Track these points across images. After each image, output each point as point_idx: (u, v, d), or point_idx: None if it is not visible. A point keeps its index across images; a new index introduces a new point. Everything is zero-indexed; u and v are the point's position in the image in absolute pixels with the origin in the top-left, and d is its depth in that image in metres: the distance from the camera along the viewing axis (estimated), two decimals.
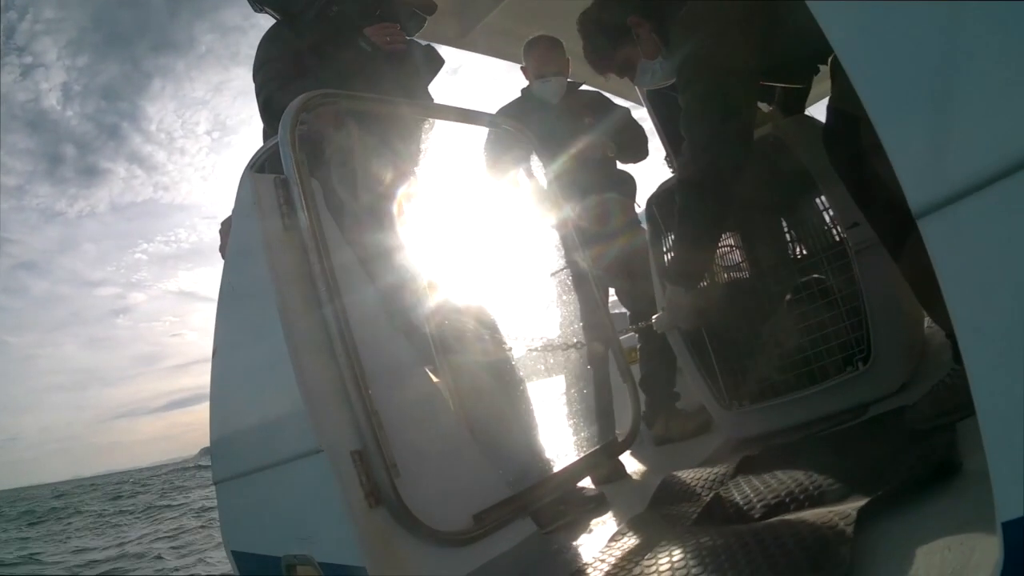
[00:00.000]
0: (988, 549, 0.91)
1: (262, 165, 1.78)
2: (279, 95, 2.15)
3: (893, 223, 1.69)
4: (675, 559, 1.37)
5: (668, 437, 3.00)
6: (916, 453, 1.48)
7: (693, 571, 1.29)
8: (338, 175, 1.93)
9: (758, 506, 1.55)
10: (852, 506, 1.29)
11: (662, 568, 1.37)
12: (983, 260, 0.80)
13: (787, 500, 1.50)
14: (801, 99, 2.53)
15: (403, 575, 1.47)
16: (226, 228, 2.13)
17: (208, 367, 1.93)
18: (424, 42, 2.52)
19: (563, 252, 2.47)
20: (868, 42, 0.88)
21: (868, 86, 0.87)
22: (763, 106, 2.79)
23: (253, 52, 2.37)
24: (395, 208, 2.06)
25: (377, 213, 1.97)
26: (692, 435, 2.93)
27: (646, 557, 1.46)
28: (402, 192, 2.10)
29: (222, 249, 2.13)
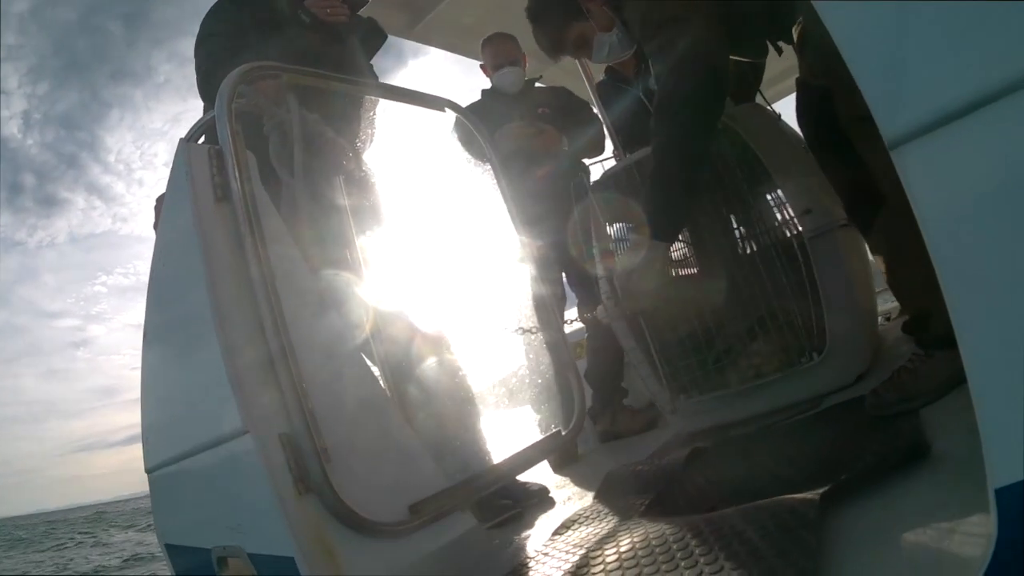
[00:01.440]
0: (973, 525, 0.92)
1: (198, 139, 1.71)
2: (217, 70, 2.06)
3: (867, 197, 1.67)
4: (623, 550, 1.31)
5: (615, 433, 2.99)
6: (880, 439, 1.45)
7: (643, 562, 1.23)
8: (276, 152, 1.86)
9: (712, 496, 1.50)
10: (814, 493, 1.24)
11: (608, 560, 1.31)
12: (957, 188, 0.80)
13: (743, 490, 1.45)
14: (750, 88, 2.53)
15: (335, 569, 1.39)
16: (160, 203, 2.05)
17: None
18: (366, 16, 2.50)
19: (511, 239, 2.43)
20: None
21: (837, 18, 0.87)
22: None
23: None
24: (335, 187, 1.99)
25: (316, 191, 1.89)
26: (640, 431, 2.91)
27: (591, 549, 1.41)
28: (343, 171, 2.03)
29: (155, 225, 2.03)
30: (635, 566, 1.24)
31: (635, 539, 1.34)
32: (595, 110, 3.46)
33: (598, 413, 3.05)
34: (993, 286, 0.77)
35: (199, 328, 1.52)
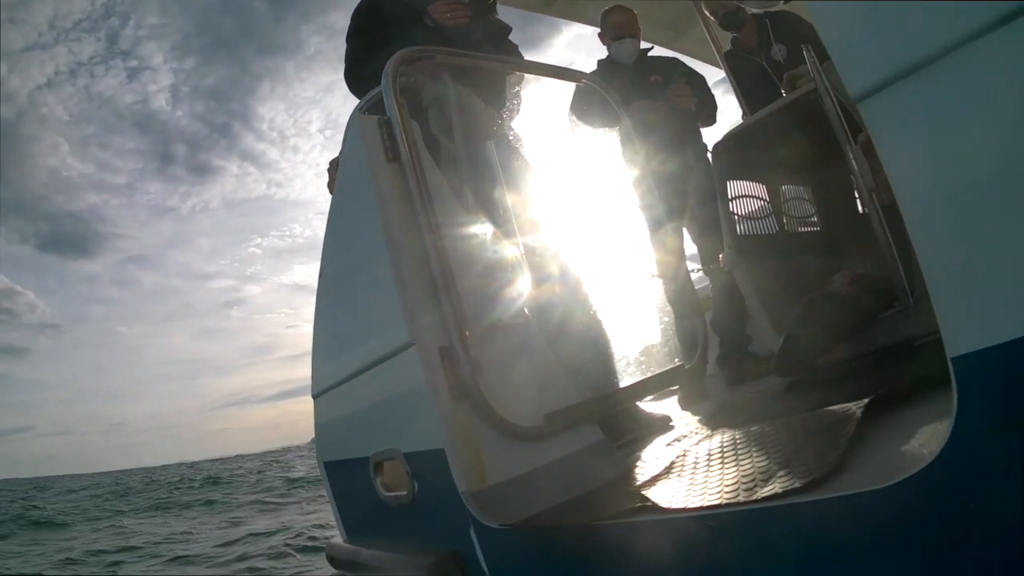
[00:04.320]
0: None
1: (368, 112, 2.00)
2: (364, 64, 2.45)
3: None
4: (712, 446, 1.57)
5: (740, 377, 3.12)
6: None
7: (725, 451, 1.49)
8: (435, 122, 2.14)
9: (796, 409, 1.75)
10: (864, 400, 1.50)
11: (699, 454, 1.56)
12: (920, 136, 0.89)
13: (825, 403, 1.67)
14: None
15: (479, 463, 1.64)
16: (334, 167, 2.37)
17: None
18: (491, 15, 2.68)
19: (640, 196, 2.62)
20: None
21: None
22: None
23: None
24: (488, 150, 2.25)
25: (472, 155, 2.15)
26: (764, 376, 3.01)
27: (690, 450, 1.65)
28: (494, 136, 2.29)
29: (330, 185, 2.37)
30: (706, 463, 1.52)
31: (712, 445, 1.63)
32: (723, 76, 3.62)
33: (725, 360, 3.21)
34: (950, 215, 0.88)
35: (373, 263, 1.83)
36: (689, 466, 1.55)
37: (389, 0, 2.57)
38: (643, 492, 1.45)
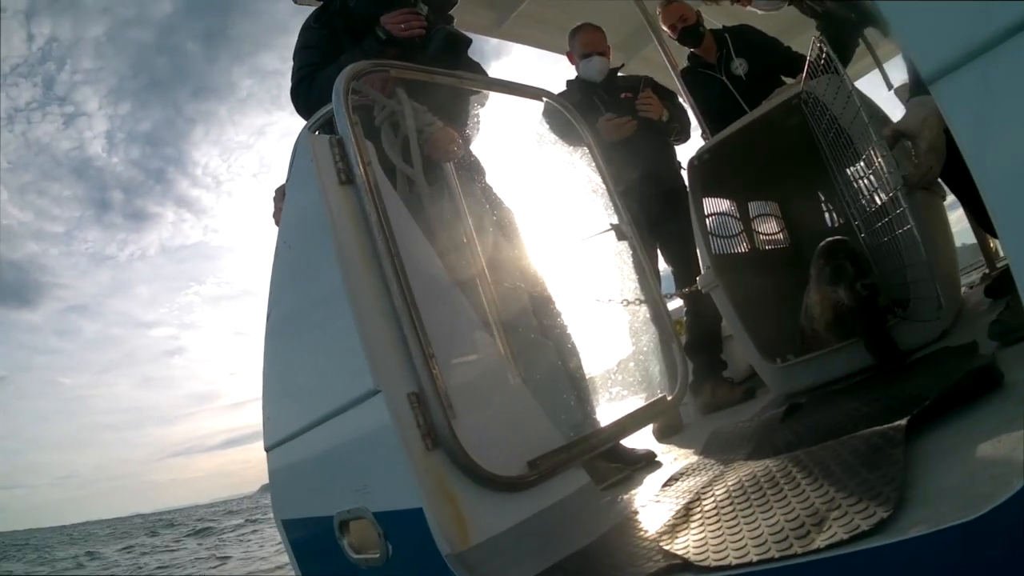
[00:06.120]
0: None
1: (319, 132, 1.84)
2: (311, 80, 2.33)
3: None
4: (731, 484, 1.38)
5: (715, 404, 3.02)
6: (960, 371, 1.49)
7: (750, 491, 1.30)
8: (388, 141, 1.98)
9: (809, 439, 1.57)
10: (902, 421, 1.31)
11: (719, 495, 1.38)
12: (996, 116, 0.79)
13: (837, 429, 1.51)
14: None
15: (459, 519, 1.47)
16: (280, 195, 2.19)
17: None
18: (447, 26, 2.55)
19: (610, 216, 2.51)
20: None
21: None
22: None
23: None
24: (448, 173, 2.10)
25: (430, 176, 2.01)
26: (739, 402, 2.94)
27: (703, 491, 1.47)
28: (453, 157, 2.14)
29: (276, 216, 2.18)
30: (731, 507, 1.32)
31: (743, 477, 1.42)
32: (681, 96, 3.56)
33: (698, 386, 3.10)
34: None
35: (328, 300, 1.64)
36: (711, 511, 1.35)
37: (339, 12, 2.43)
38: (664, 547, 1.26)
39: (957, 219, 2.76)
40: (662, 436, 2.85)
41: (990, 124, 0.80)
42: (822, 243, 2.25)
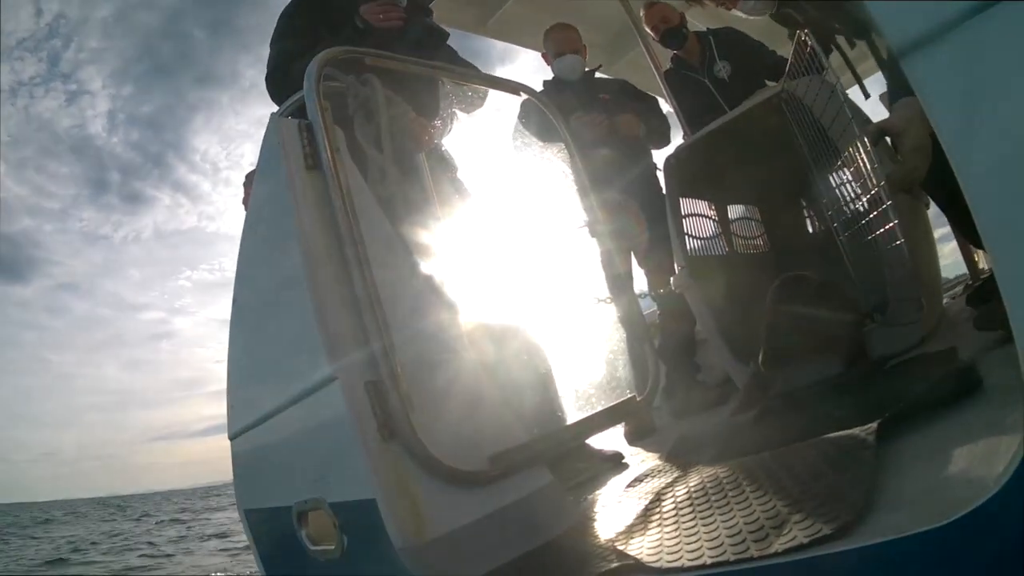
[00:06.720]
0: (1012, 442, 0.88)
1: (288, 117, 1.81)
2: (288, 68, 2.28)
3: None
4: (692, 486, 1.36)
5: (687, 409, 3.00)
6: (938, 374, 1.48)
7: (711, 493, 1.28)
8: (361, 129, 1.95)
9: (779, 440, 1.54)
10: (874, 423, 1.30)
11: (679, 497, 1.36)
12: (966, 91, 0.78)
13: (808, 431, 1.49)
14: None
15: (416, 513, 1.43)
16: (250, 180, 2.16)
17: None
18: (426, 19, 2.56)
19: (583, 214, 2.49)
20: None
21: None
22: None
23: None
24: (420, 164, 2.08)
25: (401, 166, 1.98)
26: (712, 407, 2.91)
27: (663, 492, 1.45)
28: (425, 147, 2.12)
29: (244, 200, 2.15)
30: (690, 508, 1.30)
31: (705, 479, 1.39)
32: (662, 97, 3.55)
33: (672, 389, 3.08)
34: (1012, 183, 0.76)
35: (291, 286, 1.60)
36: (670, 513, 1.33)
37: (317, 1, 2.40)
38: (619, 547, 1.24)
39: (940, 236, 2.77)
40: (633, 438, 2.82)
41: (964, 99, 0.79)
42: (777, 282, 2.19)
